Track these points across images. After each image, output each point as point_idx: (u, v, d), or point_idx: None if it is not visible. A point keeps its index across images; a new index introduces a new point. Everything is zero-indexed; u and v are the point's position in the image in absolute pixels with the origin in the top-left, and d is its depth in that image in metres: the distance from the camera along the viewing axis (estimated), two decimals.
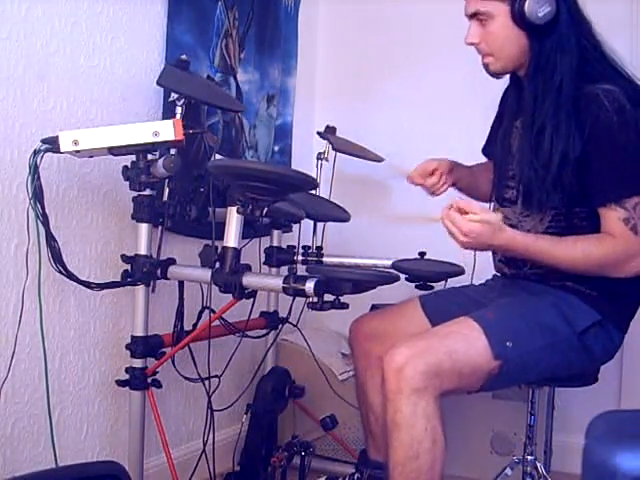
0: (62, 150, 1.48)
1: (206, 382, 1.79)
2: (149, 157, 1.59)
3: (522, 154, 1.59)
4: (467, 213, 1.42)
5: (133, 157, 1.59)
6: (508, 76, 1.69)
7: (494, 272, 1.78)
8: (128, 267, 1.71)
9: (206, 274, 1.61)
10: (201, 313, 1.83)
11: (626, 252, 1.45)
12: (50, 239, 1.56)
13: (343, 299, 1.52)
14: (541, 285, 1.58)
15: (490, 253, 1.73)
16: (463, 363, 1.42)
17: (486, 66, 1.62)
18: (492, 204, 1.74)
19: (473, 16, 1.57)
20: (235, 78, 2.28)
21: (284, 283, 1.53)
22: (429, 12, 2.57)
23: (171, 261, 1.75)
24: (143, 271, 1.69)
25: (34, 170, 1.50)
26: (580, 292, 1.53)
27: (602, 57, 1.54)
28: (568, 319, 1.50)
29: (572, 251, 1.46)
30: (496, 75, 1.63)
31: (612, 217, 1.45)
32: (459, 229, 1.41)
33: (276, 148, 2.55)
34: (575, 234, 1.51)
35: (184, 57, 1.80)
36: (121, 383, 1.74)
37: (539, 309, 1.52)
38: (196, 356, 1.84)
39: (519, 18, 1.50)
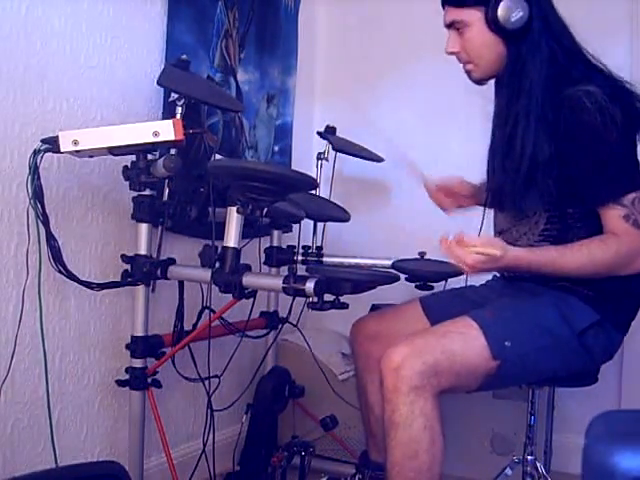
0: (62, 150, 1.48)
1: (206, 382, 1.79)
2: (149, 157, 1.59)
3: (494, 157, 1.62)
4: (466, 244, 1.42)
5: (133, 157, 1.59)
6: None
7: (493, 273, 1.78)
8: (128, 267, 1.71)
9: (206, 274, 1.61)
10: (201, 313, 1.83)
11: (632, 249, 1.45)
12: (50, 239, 1.56)
13: (343, 299, 1.52)
14: (540, 286, 1.58)
15: None
16: (461, 362, 1.42)
17: (468, 74, 1.64)
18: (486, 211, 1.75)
19: (450, 26, 1.60)
20: (235, 78, 2.28)
21: (284, 283, 1.53)
22: (429, 12, 2.54)
23: (171, 261, 1.75)
24: (143, 271, 1.69)
25: (34, 170, 1.50)
26: (579, 292, 1.53)
27: (578, 58, 1.55)
28: (567, 319, 1.49)
29: (578, 258, 1.45)
30: (479, 82, 1.65)
31: (612, 216, 1.45)
32: (463, 262, 1.41)
33: (276, 148, 2.55)
34: (571, 235, 1.51)
35: (184, 57, 1.80)
36: (121, 383, 1.74)
37: (538, 309, 1.52)
38: (196, 356, 1.84)
39: (493, 24, 1.52)
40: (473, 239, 1.43)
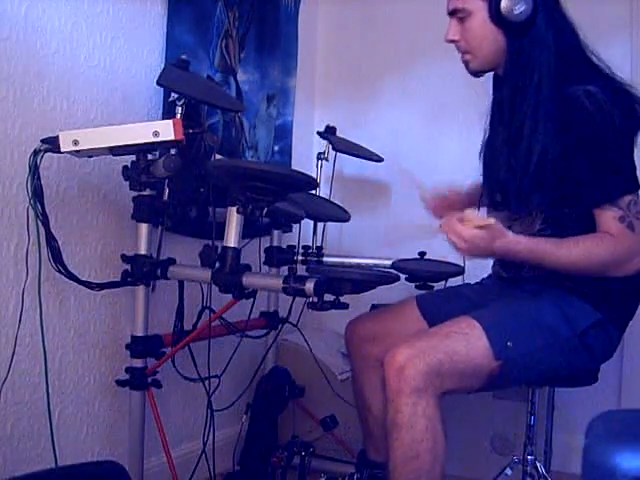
0: (62, 150, 1.48)
1: (206, 382, 1.80)
2: (149, 157, 1.59)
3: (499, 154, 1.61)
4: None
5: (133, 157, 1.59)
6: None
7: (489, 272, 1.78)
8: (128, 267, 1.71)
9: (206, 274, 1.61)
10: (201, 313, 1.83)
11: (626, 251, 1.45)
12: (50, 239, 1.56)
13: (343, 299, 1.52)
14: (541, 285, 1.58)
15: None
16: (464, 363, 1.42)
17: (466, 64, 1.63)
18: (481, 209, 1.74)
19: (453, 14, 1.59)
20: (235, 78, 2.28)
21: (284, 283, 1.53)
22: (429, 12, 2.56)
23: (171, 261, 1.74)
24: (143, 271, 1.69)
25: (34, 170, 1.50)
26: (580, 292, 1.53)
27: (581, 57, 1.54)
28: (569, 319, 1.49)
29: (575, 252, 1.45)
30: (475, 73, 1.64)
31: (607, 217, 1.45)
32: (459, 236, 1.42)
33: (276, 148, 2.55)
34: (567, 235, 1.50)
35: (184, 57, 1.80)
36: (121, 383, 1.74)
37: (540, 309, 1.52)
38: (196, 356, 1.84)
39: (495, 16, 1.51)
40: (470, 214, 1.44)
